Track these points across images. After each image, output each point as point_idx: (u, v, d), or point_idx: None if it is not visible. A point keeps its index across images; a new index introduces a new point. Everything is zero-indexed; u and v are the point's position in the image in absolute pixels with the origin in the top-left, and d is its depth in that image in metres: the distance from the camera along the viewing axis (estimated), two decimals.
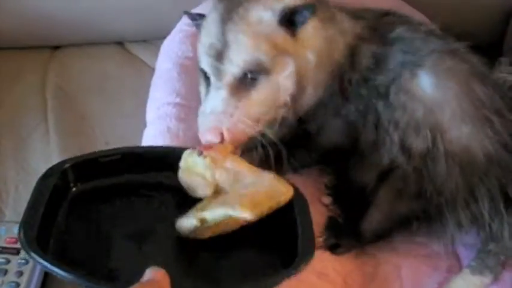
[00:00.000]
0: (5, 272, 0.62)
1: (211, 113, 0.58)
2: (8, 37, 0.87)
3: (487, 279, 0.64)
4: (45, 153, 0.76)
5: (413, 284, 0.64)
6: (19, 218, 0.56)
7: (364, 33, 0.65)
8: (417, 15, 0.80)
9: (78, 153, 0.72)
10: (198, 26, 0.64)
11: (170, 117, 0.71)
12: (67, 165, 0.53)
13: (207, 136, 0.57)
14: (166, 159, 0.56)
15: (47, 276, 0.64)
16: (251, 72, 0.59)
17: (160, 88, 0.74)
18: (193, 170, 0.52)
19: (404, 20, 0.68)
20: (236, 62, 0.58)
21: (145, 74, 0.82)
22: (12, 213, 0.70)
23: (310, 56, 0.61)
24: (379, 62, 0.64)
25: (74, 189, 0.54)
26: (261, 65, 0.59)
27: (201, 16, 0.64)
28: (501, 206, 0.62)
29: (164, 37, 0.82)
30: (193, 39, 0.78)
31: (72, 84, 0.83)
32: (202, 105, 0.61)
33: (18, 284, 0.61)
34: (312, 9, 0.59)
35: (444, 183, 0.62)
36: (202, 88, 0.63)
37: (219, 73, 0.59)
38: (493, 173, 0.62)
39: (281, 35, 0.60)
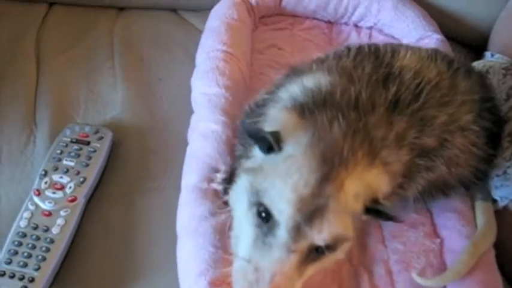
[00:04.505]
0: (79, 155, 0.78)
1: (274, 283, 0.50)
2: None
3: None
4: (111, 82, 0.92)
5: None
6: (87, 120, 0.77)
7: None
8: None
9: (136, 85, 0.90)
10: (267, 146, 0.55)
11: (219, 59, 0.83)
12: None
13: None
14: None
15: (108, 160, 0.80)
16: (327, 246, 0.52)
17: (209, 38, 0.88)
18: None
19: None
20: (326, 234, 0.51)
21: (194, 34, 0.97)
22: (82, 119, 0.86)
23: None
24: None
25: None
26: (339, 242, 0.53)
27: (275, 136, 0.54)
28: None
29: (212, 7, 0.96)
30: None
31: (133, 35, 1.00)
32: (250, 255, 0.53)
33: (87, 164, 0.77)
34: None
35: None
36: (247, 223, 0.55)
37: (299, 235, 0.51)
38: None
39: (360, 220, 0.56)
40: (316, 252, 0.53)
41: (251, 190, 0.55)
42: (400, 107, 0.62)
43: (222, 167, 0.72)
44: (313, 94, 0.60)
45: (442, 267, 0.72)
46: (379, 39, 1.00)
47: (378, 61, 0.67)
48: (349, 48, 0.71)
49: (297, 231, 0.51)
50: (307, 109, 0.58)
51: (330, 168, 0.52)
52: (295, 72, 0.69)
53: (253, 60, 0.94)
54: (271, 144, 0.54)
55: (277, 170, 0.53)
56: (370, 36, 1.01)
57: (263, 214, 0.53)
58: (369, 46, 0.71)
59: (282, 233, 0.51)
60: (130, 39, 0.99)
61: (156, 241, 0.74)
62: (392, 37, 1.00)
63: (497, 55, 0.97)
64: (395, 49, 0.70)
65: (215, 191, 0.71)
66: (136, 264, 0.73)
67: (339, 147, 0.54)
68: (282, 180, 0.52)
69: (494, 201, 0.80)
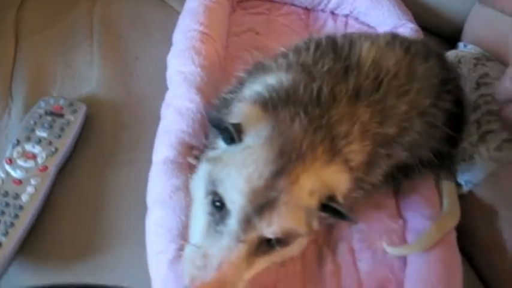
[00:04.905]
0: (52, 127, 0.80)
1: (220, 270, 0.50)
2: None
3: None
4: (88, 59, 0.93)
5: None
6: (63, 94, 0.78)
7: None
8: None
9: (112, 62, 0.92)
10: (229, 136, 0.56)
11: (195, 39, 0.84)
12: None
13: (194, 287, 0.50)
14: None
15: (82, 133, 0.82)
16: (277, 240, 0.53)
17: (187, 19, 0.89)
18: None
19: None
20: (275, 227, 0.51)
21: (173, 16, 0.97)
22: (58, 94, 0.88)
23: None
24: None
25: None
26: (291, 237, 0.54)
27: (236, 127, 0.56)
28: None
29: None
30: None
31: (113, 15, 1.01)
32: (200, 242, 0.53)
33: (60, 136, 0.79)
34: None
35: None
36: (201, 211, 0.55)
37: (249, 225, 0.51)
38: None
39: (316, 218, 0.56)
40: (267, 245, 0.53)
41: (209, 179, 0.55)
42: (361, 97, 0.63)
43: (195, 144, 0.73)
44: (276, 90, 0.61)
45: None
46: (355, 27, 1.02)
47: (337, 55, 0.67)
48: (307, 43, 0.71)
49: (247, 222, 0.51)
50: (271, 104, 0.58)
51: (286, 162, 0.53)
52: (257, 69, 0.70)
53: (229, 43, 0.95)
54: (233, 135, 0.55)
55: (234, 160, 0.54)
56: (346, 24, 1.03)
57: (217, 203, 0.53)
58: (327, 40, 0.71)
59: (233, 222, 0.52)
60: (110, 19, 1.00)
61: (126, 213, 0.76)
62: (368, 25, 1.02)
63: (469, 46, 1.00)
64: (353, 41, 0.70)
65: (191, 165, 0.72)
66: (104, 234, 0.74)
67: (297, 142, 0.54)
68: (238, 170, 0.53)
69: (459, 185, 0.82)
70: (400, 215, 0.77)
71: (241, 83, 0.70)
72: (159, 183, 0.71)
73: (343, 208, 0.54)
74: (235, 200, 0.52)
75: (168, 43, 0.90)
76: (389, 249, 0.71)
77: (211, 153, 0.60)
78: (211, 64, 0.85)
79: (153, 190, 0.71)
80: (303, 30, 1.01)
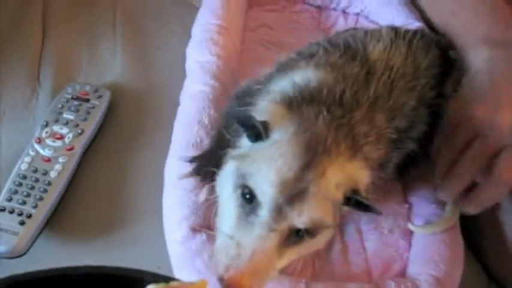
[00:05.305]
0: (78, 110, 0.85)
1: (253, 259, 0.52)
2: None
3: None
4: (111, 49, 0.98)
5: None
6: (88, 81, 0.82)
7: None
8: None
9: (134, 53, 0.97)
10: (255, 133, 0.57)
11: (213, 32, 0.88)
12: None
13: (228, 276, 0.52)
14: (125, 285, 0.44)
15: (105, 118, 0.87)
16: (307, 231, 0.54)
17: (206, 13, 0.93)
18: None
19: None
20: (306, 216, 0.53)
21: (192, 11, 1.00)
22: (83, 80, 0.93)
23: None
24: None
25: None
26: (319, 228, 0.55)
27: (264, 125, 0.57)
28: None
29: None
30: None
31: (135, 9, 1.05)
32: (232, 232, 0.55)
33: (86, 118, 0.84)
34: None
35: None
36: (231, 204, 0.57)
37: (280, 215, 0.53)
38: None
39: (342, 211, 0.59)
40: (296, 236, 0.54)
41: (237, 174, 0.57)
42: (379, 104, 0.66)
43: (206, 120, 0.78)
44: (301, 89, 0.63)
45: (408, 229, 0.77)
46: (365, 26, 1.06)
47: (357, 59, 0.70)
48: (335, 46, 0.73)
49: (278, 212, 0.53)
50: (296, 103, 0.61)
51: (313, 155, 0.55)
52: (285, 67, 0.73)
53: (245, 38, 1.00)
54: (259, 132, 0.57)
55: (263, 155, 0.56)
56: (356, 22, 1.07)
57: (247, 196, 0.55)
58: (344, 44, 0.73)
59: (264, 212, 0.53)
60: (132, 12, 1.05)
61: (145, 191, 0.80)
62: (378, 24, 1.06)
63: None
64: (363, 42, 0.73)
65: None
66: (126, 211, 0.79)
67: (322, 137, 0.56)
68: (267, 164, 0.54)
69: None
70: (406, 200, 0.81)
71: (269, 78, 0.72)
72: (176, 162, 0.75)
73: (368, 201, 0.57)
74: (266, 191, 0.53)
75: (186, 36, 0.95)
76: (413, 228, 0.75)
77: (235, 152, 0.62)
78: (227, 54, 0.89)
79: (170, 167, 0.76)
80: (314, 28, 1.05)
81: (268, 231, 0.53)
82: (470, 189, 0.71)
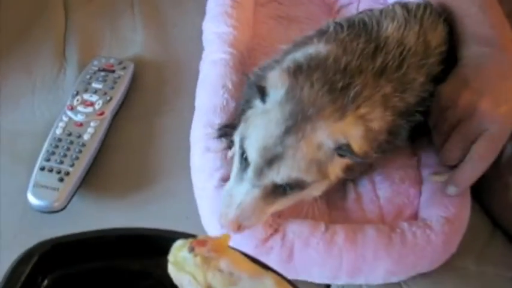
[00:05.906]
0: (105, 80, 0.91)
1: (239, 208, 0.62)
2: None
3: None
4: (131, 27, 1.04)
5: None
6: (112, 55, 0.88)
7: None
8: None
9: (154, 30, 1.03)
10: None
11: (227, 5, 0.94)
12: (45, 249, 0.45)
13: (227, 228, 0.63)
14: (158, 245, 0.45)
15: (130, 88, 0.94)
16: (289, 185, 0.63)
17: None
18: (183, 267, 0.43)
19: None
20: (283, 175, 0.62)
21: None
22: (107, 54, 0.99)
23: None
24: None
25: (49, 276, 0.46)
26: (302, 183, 0.63)
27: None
28: None
29: None
30: None
31: None
32: (231, 186, 0.66)
33: (113, 87, 0.90)
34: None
35: None
36: (236, 161, 0.67)
37: (261, 174, 0.62)
38: None
39: (332, 164, 0.64)
40: (282, 189, 0.63)
41: (240, 136, 0.66)
42: (386, 73, 0.71)
43: (229, 85, 0.84)
44: (310, 58, 0.69)
45: (418, 179, 0.82)
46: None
47: (367, 35, 0.75)
48: (342, 25, 0.78)
49: (260, 172, 0.62)
50: (299, 70, 0.66)
51: (294, 122, 0.62)
52: (300, 43, 0.78)
53: (256, 12, 1.06)
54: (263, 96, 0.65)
55: (254, 122, 0.65)
56: None
57: (244, 155, 0.64)
58: (358, 22, 0.78)
59: (250, 172, 0.63)
60: None
61: (170, 151, 0.87)
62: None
63: None
64: (378, 20, 0.77)
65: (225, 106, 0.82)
66: (153, 169, 0.85)
67: (306, 105, 0.63)
68: (254, 130, 0.64)
69: None
70: (415, 153, 0.86)
71: (286, 53, 0.77)
72: (202, 122, 0.82)
73: (352, 154, 0.63)
74: (251, 155, 0.63)
75: (200, 13, 1.01)
76: (432, 177, 0.80)
77: (248, 112, 0.69)
78: (242, 26, 0.95)
79: (197, 127, 0.82)
80: (320, 2, 1.11)
81: (252, 186, 0.63)
82: None
